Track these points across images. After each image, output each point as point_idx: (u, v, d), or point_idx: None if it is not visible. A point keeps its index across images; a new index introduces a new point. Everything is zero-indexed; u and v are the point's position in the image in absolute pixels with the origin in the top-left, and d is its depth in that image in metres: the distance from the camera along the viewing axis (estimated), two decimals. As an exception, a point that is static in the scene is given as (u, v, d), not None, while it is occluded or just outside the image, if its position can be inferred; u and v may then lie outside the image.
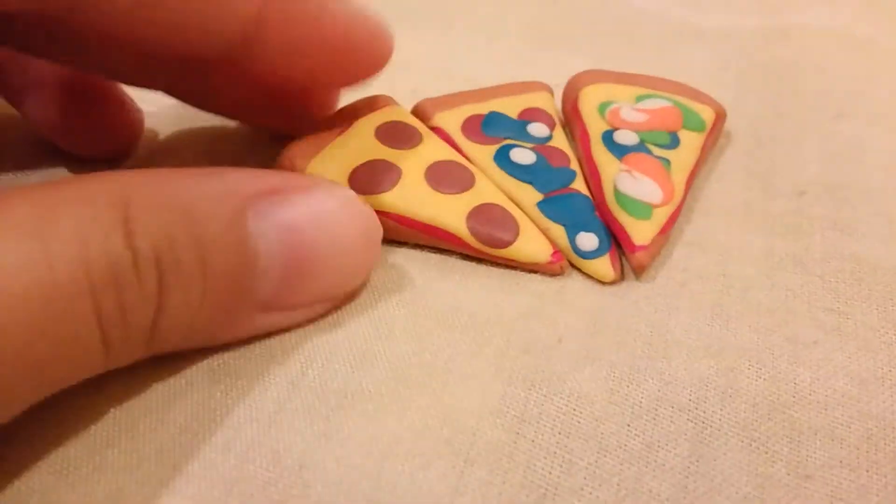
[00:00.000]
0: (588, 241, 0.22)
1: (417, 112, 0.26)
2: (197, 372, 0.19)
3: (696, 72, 0.29)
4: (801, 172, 0.25)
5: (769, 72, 0.29)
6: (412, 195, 0.22)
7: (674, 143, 0.24)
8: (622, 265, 0.22)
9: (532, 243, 0.22)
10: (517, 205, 0.23)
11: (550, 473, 0.17)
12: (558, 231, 0.22)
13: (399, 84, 0.27)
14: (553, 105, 0.26)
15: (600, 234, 0.22)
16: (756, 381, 0.19)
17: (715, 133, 0.26)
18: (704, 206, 0.24)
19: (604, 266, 0.22)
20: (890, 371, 0.19)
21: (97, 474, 0.17)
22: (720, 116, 0.26)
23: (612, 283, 0.22)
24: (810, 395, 0.19)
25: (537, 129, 0.25)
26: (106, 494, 0.17)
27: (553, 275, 0.22)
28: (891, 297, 0.21)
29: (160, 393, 0.19)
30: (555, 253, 0.22)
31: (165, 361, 0.19)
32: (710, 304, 0.21)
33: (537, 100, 0.26)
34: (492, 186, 0.23)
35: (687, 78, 0.27)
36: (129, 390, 0.19)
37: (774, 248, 0.23)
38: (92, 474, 0.17)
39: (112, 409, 0.19)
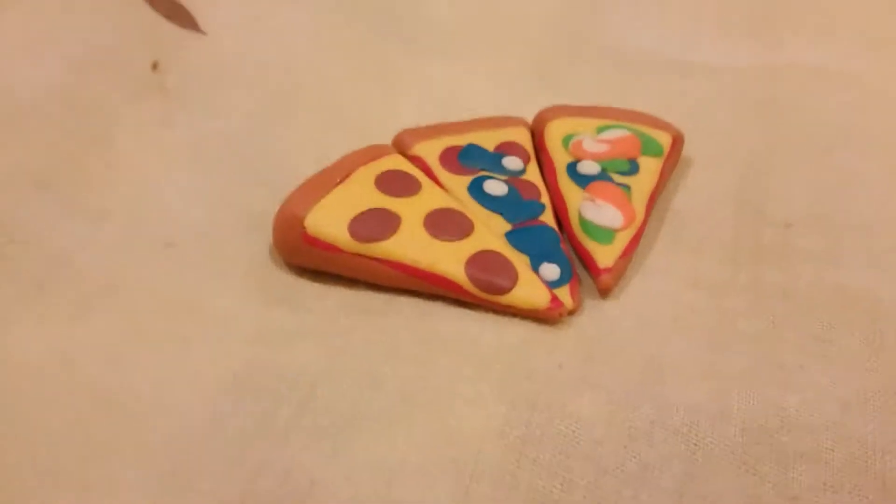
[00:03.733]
0: (550, 271, 0.23)
1: (398, 142, 0.27)
2: (212, 387, 0.20)
3: (691, 105, 0.30)
4: (791, 204, 0.26)
5: (763, 107, 0.30)
6: (411, 242, 0.23)
7: (633, 169, 0.26)
8: (581, 296, 0.23)
9: (531, 290, 0.23)
10: (487, 234, 0.24)
11: (552, 492, 0.18)
12: (523, 260, 0.23)
13: (404, 111, 0.29)
14: (529, 139, 0.28)
15: (562, 265, 0.23)
16: (746, 405, 0.20)
17: (674, 156, 0.27)
18: (696, 242, 0.25)
19: (563, 295, 0.23)
20: (873, 395, 0.20)
21: (111, 490, 0.18)
22: (677, 140, 0.27)
23: (571, 312, 0.23)
24: (797, 419, 0.20)
25: (512, 162, 0.26)
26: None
27: (551, 321, 0.22)
28: (873, 323, 0.22)
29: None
30: (553, 299, 0.22)
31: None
32: (701, 332, 0.22)
33: (514, 134, 0.27)
34: (491, 233, 0.24)
35: (682, 111, 0.29)
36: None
37: (762, 278, 0.24)
38: (106, 492, 0.18)
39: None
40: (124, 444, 0.19)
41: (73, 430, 0.20)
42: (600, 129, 0.27)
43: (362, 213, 0.23)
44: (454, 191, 0.25)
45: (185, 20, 0.32)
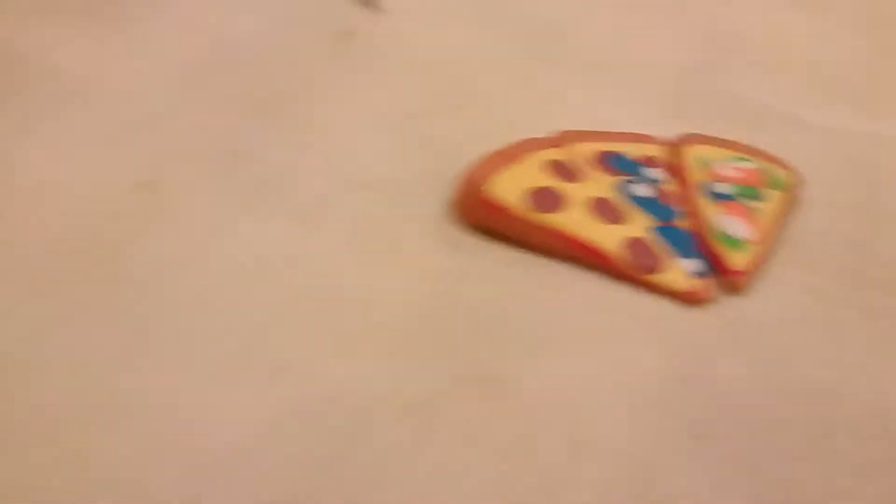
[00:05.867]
0: (691, 265, 0.27)
1: (563, 138, 0.31)
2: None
3: (801, 156, 0.34)
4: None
5: (866, 170, 0.34)
6: (577, 219, 0.27)
7: (761, 197, 0.30)
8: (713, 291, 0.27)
9: (675, 275, 0.27)
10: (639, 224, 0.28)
11: (695, 426, 0.22)
12: (668, 251, 0.27)
13: (552, 117, 0.33)
14: (667, 157, 0.31)
15: (702, 261, 0.27)
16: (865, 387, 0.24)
17: (793, 193, 0.31)
18: (811, 263, 0.29)
19: (701, 285, 0.27)
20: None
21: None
22: (798, 180, 0.31)
23: (705, 301, 0.26)
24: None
25: (654, 172, 0.30)
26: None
27: (689, 304, 0.26)
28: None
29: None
30: (693, 286, 0.26)
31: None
32: (821, 327, 0.26)
33: (657, 150, 0.31)
34: (641, 225, 0.28)
35: (792, 160, 0.32)
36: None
37: (870, 298, 0.28)
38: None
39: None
40: (334, 329, 0.24)
41: (291, 315, 0.24)
42: (732, 159, 0.31)
43: (536, 188, 0.27)
44: (605, 187, 0.29)
45: (371, 4, 0.36)
